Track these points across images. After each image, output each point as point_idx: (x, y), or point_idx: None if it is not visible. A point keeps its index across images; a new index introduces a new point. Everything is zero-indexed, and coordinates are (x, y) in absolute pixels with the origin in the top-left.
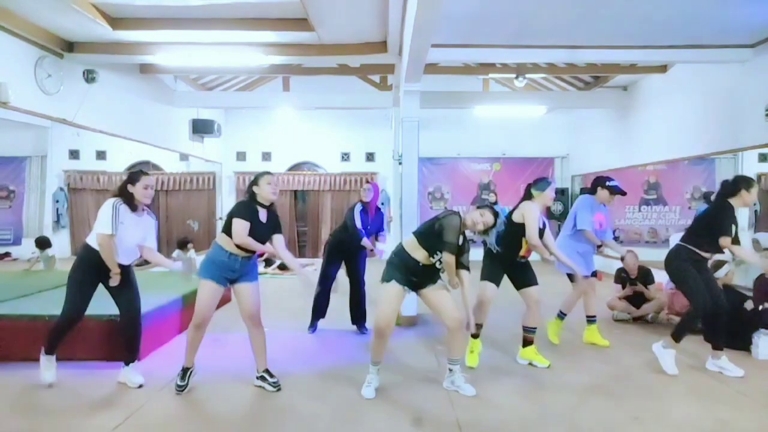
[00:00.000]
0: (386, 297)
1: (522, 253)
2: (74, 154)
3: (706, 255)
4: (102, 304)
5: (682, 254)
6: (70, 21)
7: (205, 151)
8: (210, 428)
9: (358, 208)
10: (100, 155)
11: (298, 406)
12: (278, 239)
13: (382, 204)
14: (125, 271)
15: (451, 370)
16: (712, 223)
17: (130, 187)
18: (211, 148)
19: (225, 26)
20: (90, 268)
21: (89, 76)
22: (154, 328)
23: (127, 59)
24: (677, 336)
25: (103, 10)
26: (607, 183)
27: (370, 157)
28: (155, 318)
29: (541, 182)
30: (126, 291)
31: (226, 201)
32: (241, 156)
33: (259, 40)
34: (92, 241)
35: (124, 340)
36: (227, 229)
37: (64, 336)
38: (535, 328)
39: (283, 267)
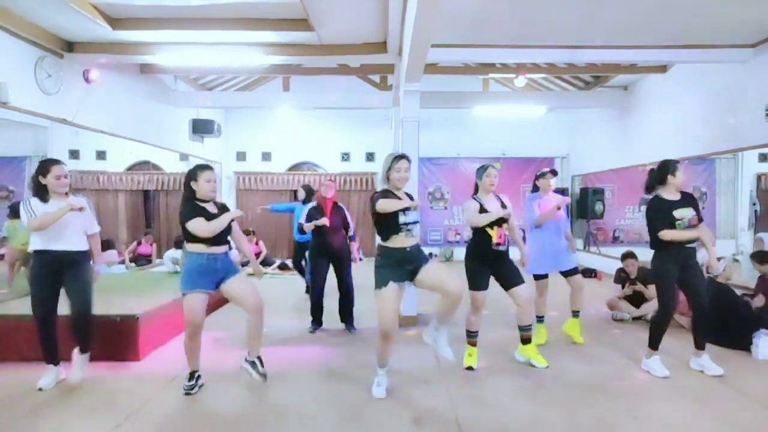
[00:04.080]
0: (385, 300)
1: (495, 240)
2: (74, 154)
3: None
4: (100, 304)
5: (665, 252)
6: (69, 21)
7: (205, 151)
8: (210, 428)
9: (310, 206)
10: (100, 155)
11: (298, 406)
12: (233, 227)
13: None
14: (75, 263)
15: (437, 329)
16: (648, 224)
17: (41, 179)
18: (211, 148)
19: (225, 26)
20: (42, 268)
21: None
22: (154, 328)
23: (127, 59)
24: (653, 344)
25: (102, 10)
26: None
27: (370, 157)
28: (155, 318)
29: (480, 169)
30: (74, 287)
31: (226, 201)
32: (241, 156)
33: (259, 40)
34: (34, 245)
35: (76, 334)
36: (188, 236)
37: (47, 339)
38: (530, 325)
39: (282, 267)
